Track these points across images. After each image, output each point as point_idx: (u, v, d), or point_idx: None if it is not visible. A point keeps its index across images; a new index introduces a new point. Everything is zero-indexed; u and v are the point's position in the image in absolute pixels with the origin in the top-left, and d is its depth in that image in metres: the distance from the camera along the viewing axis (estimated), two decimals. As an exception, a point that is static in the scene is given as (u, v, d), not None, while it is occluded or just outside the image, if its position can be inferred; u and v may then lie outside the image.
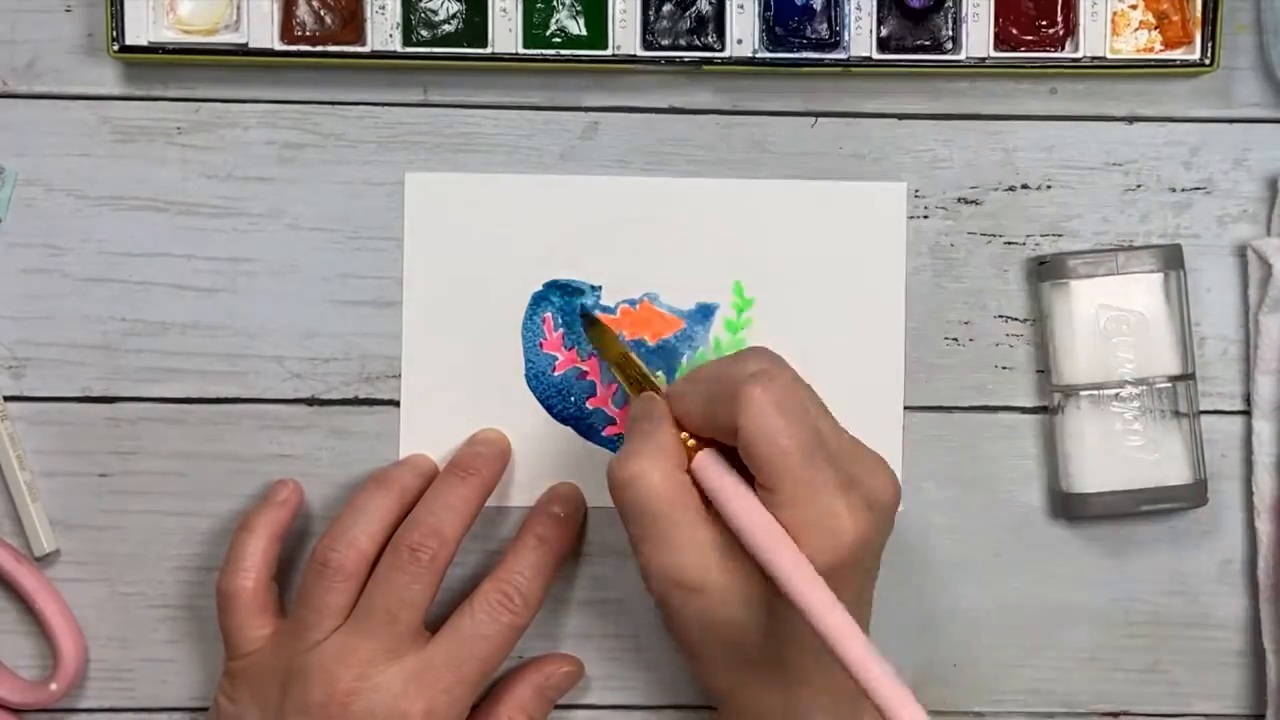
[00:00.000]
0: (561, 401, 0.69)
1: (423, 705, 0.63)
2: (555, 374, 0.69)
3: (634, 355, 0.67)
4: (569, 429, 0.69)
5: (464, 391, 0.69)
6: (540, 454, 0.69)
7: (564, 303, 0.69)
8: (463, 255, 0.69)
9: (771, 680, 0.61)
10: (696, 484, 0.61)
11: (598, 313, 0.69)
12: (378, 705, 0.63)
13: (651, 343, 0.69)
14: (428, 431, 0.69)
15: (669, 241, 0.69)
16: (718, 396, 0.60)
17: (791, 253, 0.69)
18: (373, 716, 0.63)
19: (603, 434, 0.69)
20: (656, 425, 0.61)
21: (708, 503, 0.60)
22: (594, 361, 0.69)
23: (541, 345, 0.69)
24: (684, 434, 0.61)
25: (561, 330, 0.69)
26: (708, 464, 0.60)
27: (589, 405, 0.69)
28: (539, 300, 0.69)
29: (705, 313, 0.69)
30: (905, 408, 0.69)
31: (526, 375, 0.69)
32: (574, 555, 0.70)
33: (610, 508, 0.69)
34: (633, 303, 0.69)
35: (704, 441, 0.61)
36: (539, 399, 0.69)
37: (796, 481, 0.58)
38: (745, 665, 0.61)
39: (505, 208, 0.69)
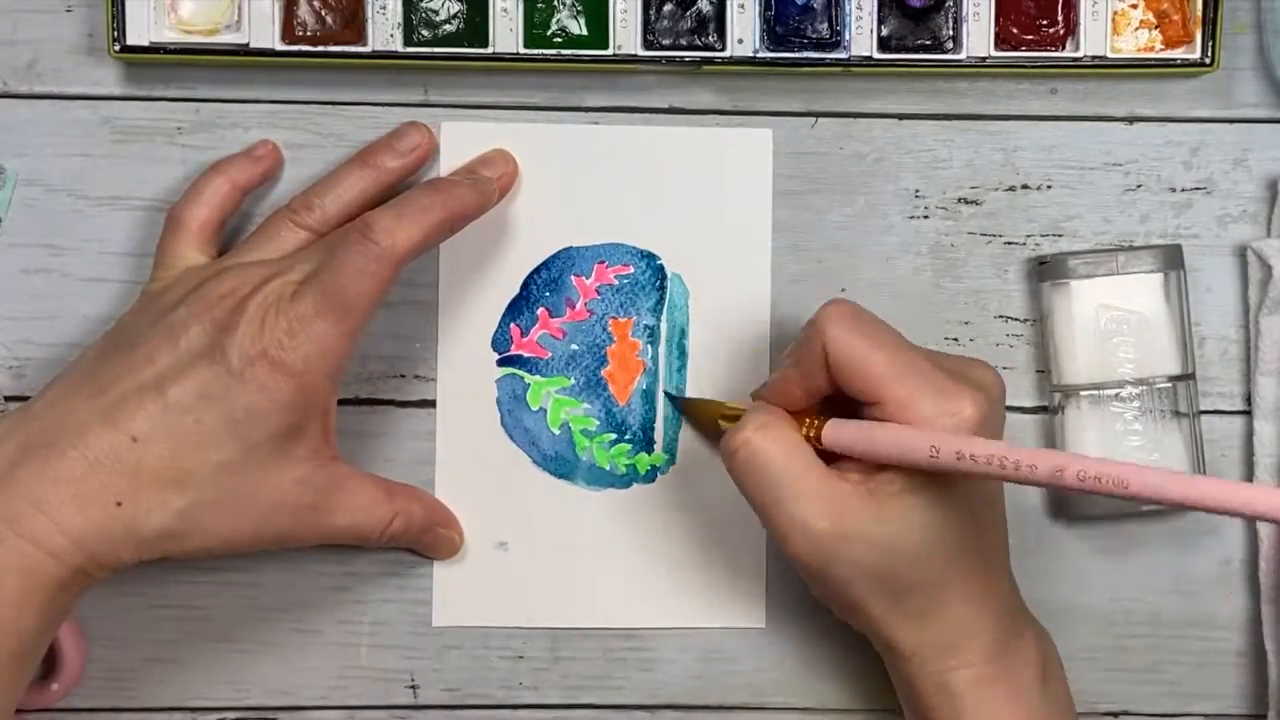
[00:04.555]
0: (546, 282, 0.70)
1: (286, 324, 0.61)
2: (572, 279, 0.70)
3: (727, 402, 0.68)
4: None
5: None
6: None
7: (638, 274, 0.70)
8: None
9: (931, 605, 0.61)
10: (828, 454, 0.61)
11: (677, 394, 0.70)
12: (253, 313, 0.61)
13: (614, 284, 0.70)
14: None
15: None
16: (801, 345, 0.61)
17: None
18: (249, 322, 0.61)
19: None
20: (760, 408, 0.62)
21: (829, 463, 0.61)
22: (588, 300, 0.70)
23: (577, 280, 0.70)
24: (803, 425, 0.62)
25: (611, 280, 0.70)
26: (837, 424, 0.61)
27: (572, 284, 0.70)
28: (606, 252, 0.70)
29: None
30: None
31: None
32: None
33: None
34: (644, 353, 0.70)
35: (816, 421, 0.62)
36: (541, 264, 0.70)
37: (898, 382, 0.59)
38: (901, 599, 0.61)
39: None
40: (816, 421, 0.61)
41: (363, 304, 0.62)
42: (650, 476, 0.69)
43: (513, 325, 0.69)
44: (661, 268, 0.69)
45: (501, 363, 0.69)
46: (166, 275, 0.65)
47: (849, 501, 0.60)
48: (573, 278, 0.69)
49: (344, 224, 0.65)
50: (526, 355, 0.69)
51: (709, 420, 0.68)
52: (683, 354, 0.69)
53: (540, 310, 0.69)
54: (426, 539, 0.68)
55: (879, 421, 0.60)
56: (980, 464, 0.56)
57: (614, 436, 0.69)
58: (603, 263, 0.69)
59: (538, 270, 0.69)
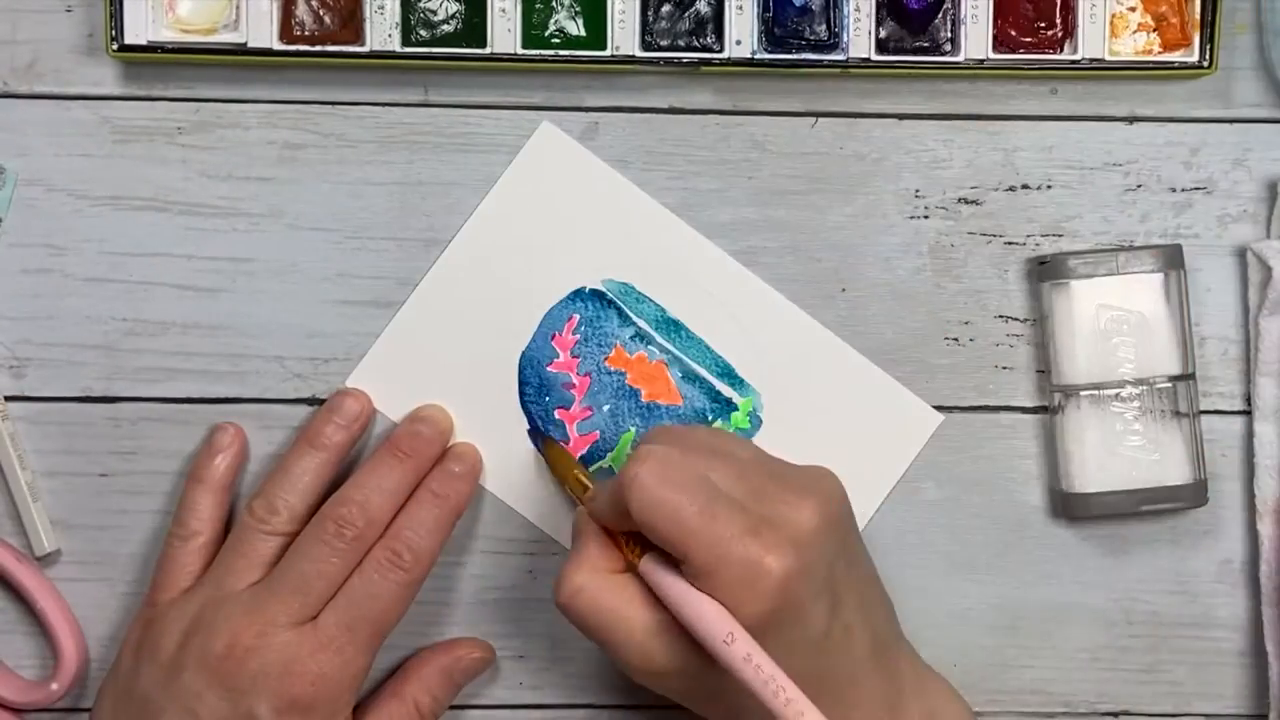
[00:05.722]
0: (535, 394, 0.69)
1: (315, 667, 0.64)
2: (548, 369, 0.69)
3: (578, 470, 0.66)
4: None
5: (456, 353, 0.69)
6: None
7: (594, 313, 0.69)
8: (540, 220, 0.69)
9: None
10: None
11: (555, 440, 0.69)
12: (271, 665, 0.63)
13: (645, 400, 0.69)
14: (397, 378, 0.69)
15: (716, 328, 0.69)
16: (615, 493, 0.60)
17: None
18: (265, 675, 0.63)
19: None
20: (582, 539, 0.62)
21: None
22: (586, 381, 0.69)
23: (553, 338, 0.69)
24: (625, 547, 0.62)
25: (577, 336, 0.69)
26: (650, 567, 0.60)
27: (556, 414, 0.69)
28: (575, 298, 0.69)
29: (708, 406, 0.69)
30: (905, 408, 0.70)
31: (523, 354, 0.69)
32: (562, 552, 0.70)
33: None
34: (652, 354, 0.69)
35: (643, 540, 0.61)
36: (519, 380, 0.69)
37: (702, 547, 0.58)
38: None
39: (598, 201, 0.69)
40: (636, 549, 0.61)
41: (393, 624, 0.65)
42: (749, 433, 0.69)
43: (562, 441, 0.69)
44: (590, 292, 0.69)
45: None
46: (167, 594, 0.66)
47: (659, 641, 0.60)
48: (549, 368, 0.69)
49: (311, 516, 0.66)
50: (586, 451, 0.69)
51: (564, 473, 0.67)
52: (676, 326, 0.69)
53: (557, 411, 0.69)
54: (460, 680, 0.69)
55: (685, 584, 0.59)
56: (754, 676, 0.57)
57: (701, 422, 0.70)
58: (555, 334, 0.69)
59: (524, 392, 0.69)
